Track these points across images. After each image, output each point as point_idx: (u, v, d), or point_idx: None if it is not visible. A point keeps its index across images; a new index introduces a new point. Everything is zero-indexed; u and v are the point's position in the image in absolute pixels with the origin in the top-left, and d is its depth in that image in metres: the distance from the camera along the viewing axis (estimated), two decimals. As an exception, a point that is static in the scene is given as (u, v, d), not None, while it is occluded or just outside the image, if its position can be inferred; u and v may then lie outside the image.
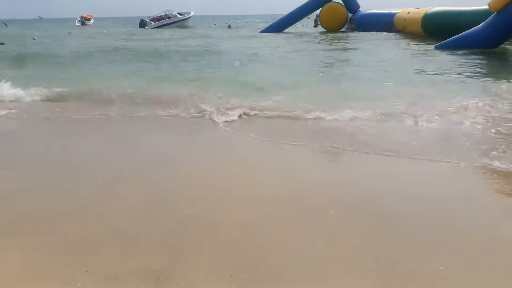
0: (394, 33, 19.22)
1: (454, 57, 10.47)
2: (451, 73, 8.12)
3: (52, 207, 2.76)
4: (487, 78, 7.40)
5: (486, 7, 15.41)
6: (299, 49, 14.21)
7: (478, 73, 8.15)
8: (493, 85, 6.48)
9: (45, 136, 4.60)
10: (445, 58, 10.35)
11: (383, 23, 20.54)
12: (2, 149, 4.14)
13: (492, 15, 11.32)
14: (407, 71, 8.65)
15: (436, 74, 8.13)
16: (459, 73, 8.04)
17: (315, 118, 4.83)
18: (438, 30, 15.88)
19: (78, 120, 5.10)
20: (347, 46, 15.79)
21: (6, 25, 45.45)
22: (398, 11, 20.57)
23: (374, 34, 19.08)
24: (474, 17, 15.38)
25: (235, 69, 9.34)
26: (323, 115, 4.85)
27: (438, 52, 11.63)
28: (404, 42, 15.62)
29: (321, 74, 8.83)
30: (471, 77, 7.71)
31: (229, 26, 35.09)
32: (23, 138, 4.50)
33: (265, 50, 13.54)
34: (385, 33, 19.43)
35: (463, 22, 15.32)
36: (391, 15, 20.72)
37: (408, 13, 18.75)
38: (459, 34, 12.02)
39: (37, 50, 14.53)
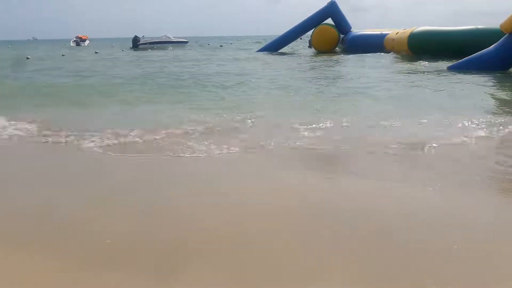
0: (385, 53, 19.61)
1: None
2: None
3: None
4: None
5: (471, 27, 16.32)
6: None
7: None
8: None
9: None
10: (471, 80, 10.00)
11: (374, 44, 21.05)
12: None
13: (504, 37, 11.49)
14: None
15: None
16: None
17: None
18: (423, 48, 16.76)
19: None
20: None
21: None
22: (389, 32, 21.15)
23: (367, 56, 18.72)
24: (457, 36, 16.35)
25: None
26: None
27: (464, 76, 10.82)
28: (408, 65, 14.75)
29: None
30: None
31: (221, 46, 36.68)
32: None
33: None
34: (380, 53, 19.78)
35: (447, 41, 16.32)
36: (382, 36, 21.26)
37: (397, 33, 19.43)
38: (472, 55, 12.12)
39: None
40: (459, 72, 11.44)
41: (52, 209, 3.04)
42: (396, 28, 21.04)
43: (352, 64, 16.14)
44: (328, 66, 15.86)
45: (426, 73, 11.94)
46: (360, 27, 24.78)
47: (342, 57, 20.05)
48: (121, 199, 3.22)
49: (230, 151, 4.30)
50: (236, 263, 2.25)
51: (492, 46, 11.81)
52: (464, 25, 16.67)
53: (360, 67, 14.68)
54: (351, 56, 19.33)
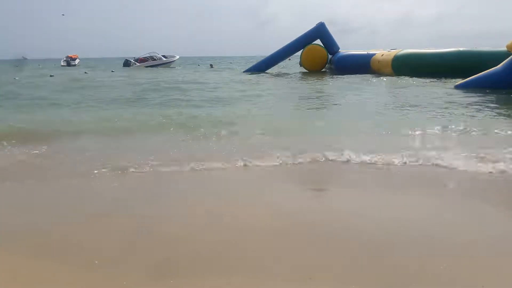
0: (373, 75, 19.77)
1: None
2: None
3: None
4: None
5: (454, 49, 16.96)
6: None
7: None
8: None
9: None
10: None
11: (361, 65, 21.64)
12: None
13: (511, 56, 11.90)
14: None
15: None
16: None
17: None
18: (406, 70, 17.42)
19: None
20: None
21: None
22: (376, 52, 21.70)
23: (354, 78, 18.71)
24: (439, 58, 16.97)
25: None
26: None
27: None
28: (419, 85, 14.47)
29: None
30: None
31: (211, 66, 36.84)
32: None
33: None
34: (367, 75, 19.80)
35: (430, 63, 16.98)
36: (369, 56, 21.84)
37: (382, 55, 20.02)
38: (479, 74, 12.46)
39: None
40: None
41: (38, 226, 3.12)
42: (382, 49, 21.63)
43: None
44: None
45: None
46: (348, 47, 25.36)
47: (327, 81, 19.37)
48: (108, 218, 3.28)
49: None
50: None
51: (500, 65, 12.19)
52: (448, 47, 17.33)
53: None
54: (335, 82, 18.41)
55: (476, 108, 8.77)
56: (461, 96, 10.93)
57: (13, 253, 2.68)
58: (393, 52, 18.59)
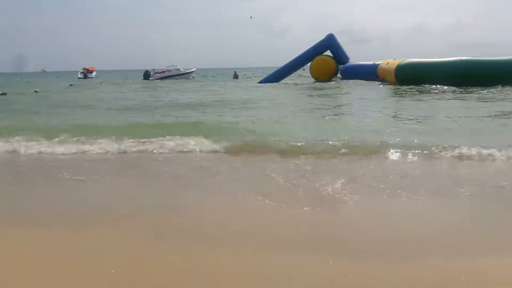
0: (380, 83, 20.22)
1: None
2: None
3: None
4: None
5: (457, 58, 16.91)
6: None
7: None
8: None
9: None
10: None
11: (368, 74, 22.03)
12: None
13: None
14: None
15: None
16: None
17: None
18: (408, 79, 17.58)
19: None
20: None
21: None
22: (381, 61, 22.01)
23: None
24: (441, 67, 17.08)
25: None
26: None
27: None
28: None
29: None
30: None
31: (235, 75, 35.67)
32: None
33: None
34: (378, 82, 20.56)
35: (432, 72, 17.10)
36: (375, 66, 22.24)
37: (387, 63, 20.39)
38: None
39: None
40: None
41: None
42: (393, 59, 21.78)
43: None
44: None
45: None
46: (361, 57, 25.66)
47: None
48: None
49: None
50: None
51: None
52: (464, 56, 16.93)
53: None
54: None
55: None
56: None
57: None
58: (397, 61, 18.91)
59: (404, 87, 16.68)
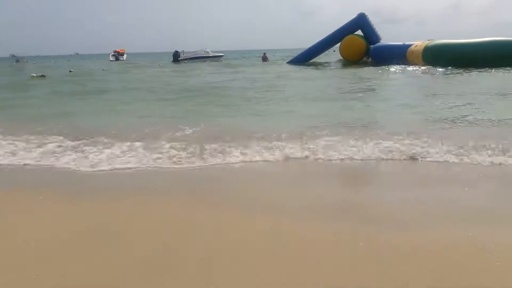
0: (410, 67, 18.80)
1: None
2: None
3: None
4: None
5: (487, 39, 16.34)
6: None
7: None
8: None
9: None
10: None
11: (397, 55, 21.22)
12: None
13: None
14: None
15: None
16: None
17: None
18: (436, 61, 17.21)
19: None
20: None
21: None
22: (414, 42, 21.10)
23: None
24: (471, 48, 16.58)
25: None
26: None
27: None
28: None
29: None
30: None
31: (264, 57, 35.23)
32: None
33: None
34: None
35: (460, 53, 16.64)
36: (405, 47, 21.27)
37: (416, 46, 19.96)
38: None
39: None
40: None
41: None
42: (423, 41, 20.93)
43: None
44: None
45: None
46: (394, 38, 24.74)
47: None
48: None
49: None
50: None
51: None
52: (503, 36, 16.33)
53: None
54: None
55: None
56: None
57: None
58: (425, 43, 18.59)
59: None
